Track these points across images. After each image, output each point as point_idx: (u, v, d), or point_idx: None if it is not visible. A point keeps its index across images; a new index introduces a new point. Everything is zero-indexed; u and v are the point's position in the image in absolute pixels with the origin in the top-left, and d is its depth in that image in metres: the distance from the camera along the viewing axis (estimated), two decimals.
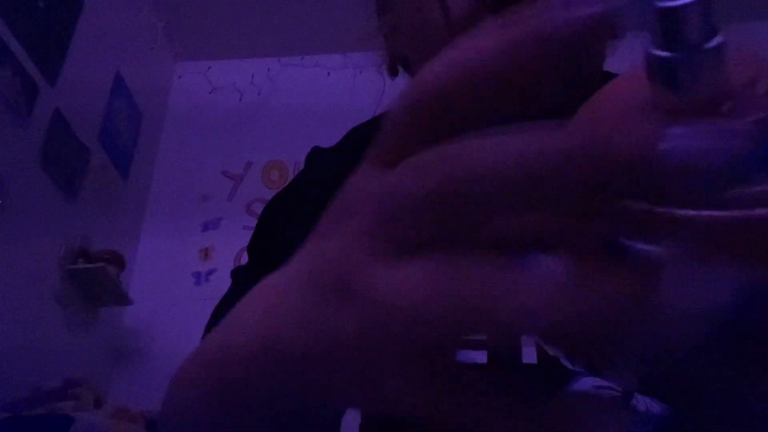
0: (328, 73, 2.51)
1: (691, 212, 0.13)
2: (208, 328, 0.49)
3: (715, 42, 0.14)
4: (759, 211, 0.13)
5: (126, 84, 2.21)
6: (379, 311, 0.15)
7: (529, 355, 0.32)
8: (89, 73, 1.95)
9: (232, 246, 2.23)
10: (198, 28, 2.59)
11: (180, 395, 0.32)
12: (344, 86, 2.42)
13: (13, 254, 1.47)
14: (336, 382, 0.18)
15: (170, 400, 0.34)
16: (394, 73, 0.50)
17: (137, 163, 2.26)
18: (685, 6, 0.14)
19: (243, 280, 0.52)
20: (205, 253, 2.22)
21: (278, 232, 0.51)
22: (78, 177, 1.82)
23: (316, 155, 0.59)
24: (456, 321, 0.14)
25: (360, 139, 0.54)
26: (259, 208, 3.04)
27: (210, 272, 2.18)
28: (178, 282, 2.14)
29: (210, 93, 2.65)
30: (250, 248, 0.54)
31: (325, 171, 0.53)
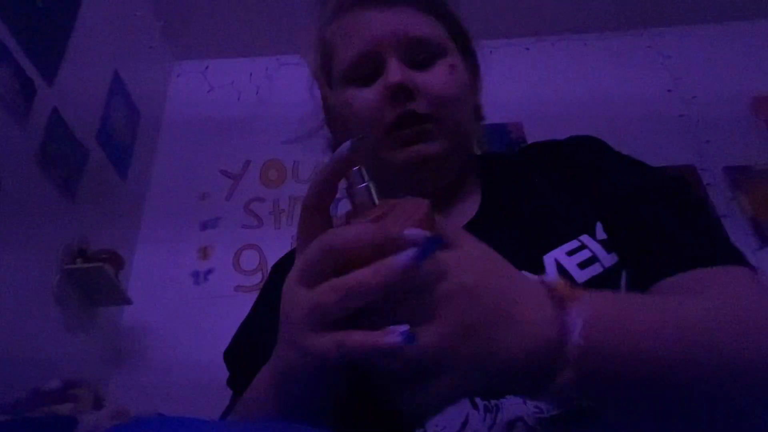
0: None
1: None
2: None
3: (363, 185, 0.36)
4: None
5: (124, 83, 2.21)
6: (317, 357, 0.35)
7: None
8: (87, 72, 1.94)
9: (230, 245, 2.22)
10: (196, 27, 2.58)
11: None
12: None
13: (11, 254, 1.47)
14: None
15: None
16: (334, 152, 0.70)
17: (135, 162, 2.26)
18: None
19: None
20: (204, 253, 2.22)
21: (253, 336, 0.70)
22: (76, 177, 1.82)
23: (278, 267, 0.79)
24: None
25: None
26: (257, 207, 3.04)
27: (209, 271, 2.18)
28: (177, 281, 2.14)
29: (208, 92, 2.65)
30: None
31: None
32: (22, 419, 1.11)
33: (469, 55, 0.70)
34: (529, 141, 2.43)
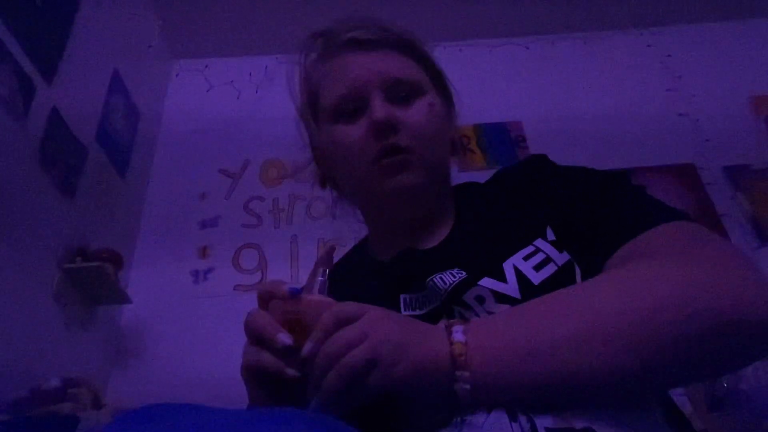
0: None
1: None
2: None
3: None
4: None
5: (123, 82, 2.21)
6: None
7: None
8: (87, 71, 1.94)
9: (230, 244, 2.23)
10: (195, 25, 2.58)
11: None
12: None
13: (11, 254, 1.47)
14: None
15: None
16: (322, 186, 0.80)
17: (135, 161, 2.26)
18: None
19: None
20: (203, 252, 2.22)
21: None
22: (76, 176, 1.82)
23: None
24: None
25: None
26: (256, 206, 3.04)
27: (208, 270, 2.18)
28: (177, 280, 2.14)
29: (208, 91, 2.65)
30: None
31: None
32: (22, 419, 1.11)
33: (445, 93, 0.77)
34: (529, 140, 2.43)
